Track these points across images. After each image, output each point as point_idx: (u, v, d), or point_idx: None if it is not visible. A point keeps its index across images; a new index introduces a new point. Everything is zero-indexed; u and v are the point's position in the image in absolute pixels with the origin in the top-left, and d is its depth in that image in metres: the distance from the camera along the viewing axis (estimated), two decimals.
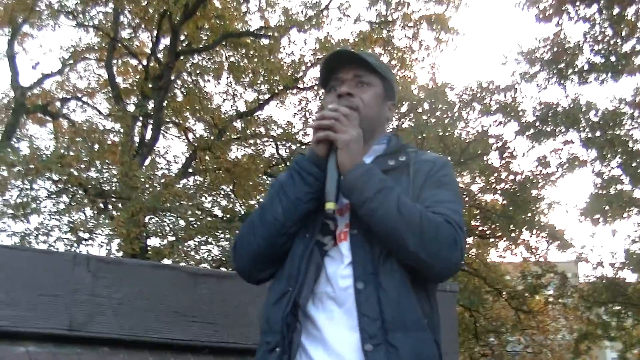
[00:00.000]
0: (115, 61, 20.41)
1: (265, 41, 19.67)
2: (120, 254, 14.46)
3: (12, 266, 5.40)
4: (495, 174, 17.57)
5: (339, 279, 2.29)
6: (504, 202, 17.75)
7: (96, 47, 20.80)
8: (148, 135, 18.61)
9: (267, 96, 20.41)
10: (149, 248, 15.54)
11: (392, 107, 2.67)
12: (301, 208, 2.36)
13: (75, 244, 15.18)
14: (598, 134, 15.41)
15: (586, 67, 15.49)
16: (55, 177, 15.35)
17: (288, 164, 19.37)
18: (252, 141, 20.15)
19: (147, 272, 5.97)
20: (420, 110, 16.95)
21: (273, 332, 2.31)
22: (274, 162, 20.08)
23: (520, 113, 16.50)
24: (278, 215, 2.37)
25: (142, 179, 15.17)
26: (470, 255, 19.73)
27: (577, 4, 15.04)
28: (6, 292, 5.30)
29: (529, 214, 16.96)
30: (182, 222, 15.60)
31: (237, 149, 20.29)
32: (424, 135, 16.23)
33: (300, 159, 2.42)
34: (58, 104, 21.05)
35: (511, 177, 17.44)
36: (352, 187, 2.28)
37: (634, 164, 14.93)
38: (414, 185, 2.38)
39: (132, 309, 5.73)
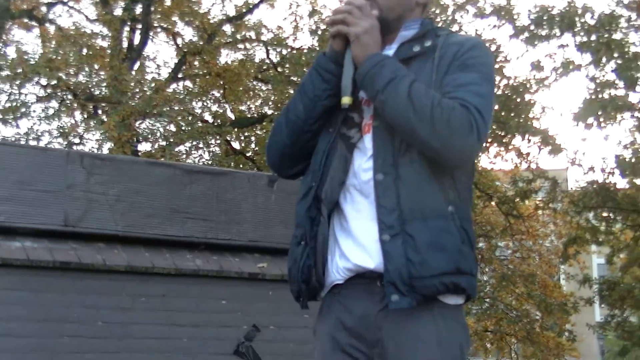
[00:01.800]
0: None
1: None
2: None
3: (6, 163, 5.36)
4: None
5: (361, 171, 2.30)
6: (497, 107, 17.66)
7: None
8: (136, 40, 18.32)
9: (256, 0, 20.06)
10: (139, 153, 15.48)
11: None
12: (320, 105, 2.38)
13: (66, 149, 15.11)
14: (594, 37, 15.24)
15: None
16: (43, 81, 15.15)
17: (279, 69, 19.18)
18: (242, 46, 19.84)
19: (142, 169, 5.94)
20: None
21: (300, 226, 2.38)
22: (264, 67, 19.84)
23: (515, 16, 16.26)
24: (299, 114, 2.41)
25: (132, 84, 15.00)
26: None
27: None
28: (1, 188, 5.27)
29: (522, 119, 16.88)
30: (172, 127, 15.51)
31: (227, 54, 19.99)
32: None
33: (319, 56, 2.43)
34: (44, 8, 20.56)
35: (504, 81, 17.31)
36: (363, 79, 2.26)
37: (632, 68, 14.76)
38: (437, 71, 2.29)
39: (127, 205, 5.72)
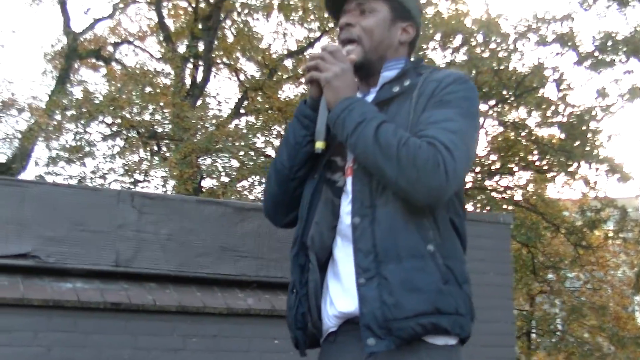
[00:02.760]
0: (165, 4, 20.32)
1: None
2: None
3: (58, 204, 5.40)
4: (553, 107, 17.15)
5: (344, 215, 2.30)
6: (562, 135, 17.35)
7: None
8: (199, 77, 18.60)
9: (317, 34, 20.19)
10: (203, 189, 15.61)
11: (409, 27, 2.49)
12: (302, 152, 2.41)
13: (132, 186, 15.32)
14: None
15: None
16: (108, 120, 15.43)
17: None
18: (303, 80, 19.97)
19: (193, 208, 5.92)
20: (474, 43, 16.55)
21: (292, 273, 2.43)
22: None
23: (578, 43, 16.03)
24: (284, 161, 2.44)
25: (194, 120, 15.17)
26: (527, 191, 19.46)
27: None
28: (52, 229, 5.30)
29: (588, 147, 16.56)
30: (235, 163, 15.61)
31: (289, 88, 20.20)
32: (478, 69, 15.88)
33: (300, 103, 2.45)
34: (110, 48, 21.06)
35: (569, 109, 17.03)
36: (335, 124, 2.26)
37: None
38: (415, 110, 2.25)
39: (179, 244, 5.70)
